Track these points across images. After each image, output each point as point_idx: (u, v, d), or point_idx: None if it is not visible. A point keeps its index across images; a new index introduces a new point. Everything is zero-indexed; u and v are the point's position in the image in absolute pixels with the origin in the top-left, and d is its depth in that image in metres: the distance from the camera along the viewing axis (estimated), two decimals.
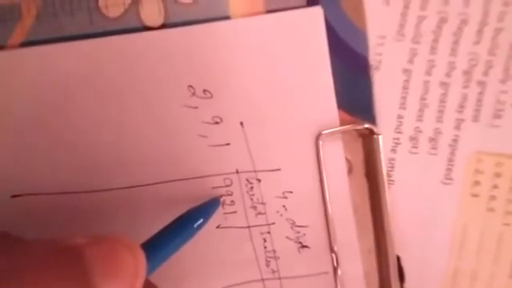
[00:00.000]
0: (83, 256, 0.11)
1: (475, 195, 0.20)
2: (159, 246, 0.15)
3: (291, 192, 0.19)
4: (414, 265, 0.20)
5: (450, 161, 0.20)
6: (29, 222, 0.19)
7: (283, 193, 0.19)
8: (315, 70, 0.18)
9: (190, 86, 0.18)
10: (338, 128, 0.19)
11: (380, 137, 0.19)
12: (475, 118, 0.19)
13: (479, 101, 0.19)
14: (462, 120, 0.19)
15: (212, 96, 0.19)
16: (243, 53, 0.18)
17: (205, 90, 0.18)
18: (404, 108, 0.19)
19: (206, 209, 0.17)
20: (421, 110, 0.19)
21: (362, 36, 0.19)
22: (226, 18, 0.18)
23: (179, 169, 0.19)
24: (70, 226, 0.19)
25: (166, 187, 0.19)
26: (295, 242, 0.20)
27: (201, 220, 0.16)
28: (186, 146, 0.19)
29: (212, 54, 0.18)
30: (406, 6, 0.19)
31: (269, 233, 0.20)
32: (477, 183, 0.20)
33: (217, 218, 0.20)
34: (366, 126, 0.19)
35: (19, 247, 0.12)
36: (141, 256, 0.12)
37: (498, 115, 0.19)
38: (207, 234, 0.19)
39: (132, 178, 0.19)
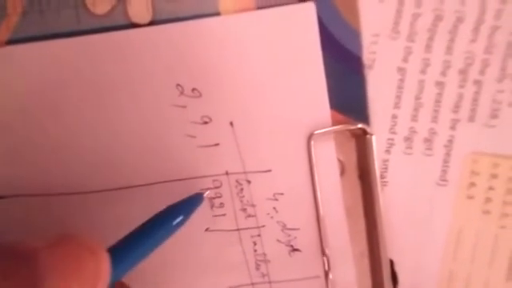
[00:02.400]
0: (37, 261, 0.10)
1: (471, 197, 0.19)
2: (132, 246, 0.14)
3: (282, 194, 0.19)
4: (408, 268, 0.20)
5: (446, 162, 0.19)
6: (14, 225, 0.19)
7: (274, 194, 0.19)
8: (307, 69, 0.18)
9: (179, 85, 0.18)
10: (331, 128, 0.18)
11: (373, 137, 0.19)
12: (471, 118, 0.19)
13: (475, 100, 0.19)
14: (458, 120, 0.19)
15: (201, 95, 0.18)
16: (233, 50, 0.18)
17: (193, 89, 0.18)
18: (398, 108, 0.19)
19: (186, 205, 0.16)
20: (415, 110, 0.19)
21: (355, 34, 0.18)
22: (216, 14, 0.18)
23: (167, 170, 0.19)
24: (56, 228, 0.19)
25: (154, 189, 0.19)
26: (286, 245, 0.19)
27: (180, 217, 0.15)
28: (174, 146, 0.18)
29: (201, 52, 0.18)
30: (401, 3, 0.18)
31: (259, 236, 0.19)
32: (472, 185, 0.19)
33: (205, 220, 0.19)
34: (359, 125, 0.18)
35: None
36: (103, 259, 0.11)
37: (494, 115, 0.19)
38: (195, 237, 0.19)
39: (119, 179, 0.19)
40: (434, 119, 0.19)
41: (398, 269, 0.20)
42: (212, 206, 0.19)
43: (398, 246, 0.19)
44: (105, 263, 0.11)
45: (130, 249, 0.14)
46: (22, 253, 0.10)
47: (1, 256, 0.10)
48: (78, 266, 0.11)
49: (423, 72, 0.19)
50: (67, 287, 0.10)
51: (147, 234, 0.15)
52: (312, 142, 0.18)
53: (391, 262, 0.19)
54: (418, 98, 0.19)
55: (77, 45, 0.18)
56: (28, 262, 0.10)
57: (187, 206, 0.16)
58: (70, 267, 0.11)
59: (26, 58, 0.18)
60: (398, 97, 0.19)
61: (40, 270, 0.10)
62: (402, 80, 0.19)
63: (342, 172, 0.19)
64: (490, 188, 0.19)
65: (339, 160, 0.19)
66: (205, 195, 0.18)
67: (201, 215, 0.19)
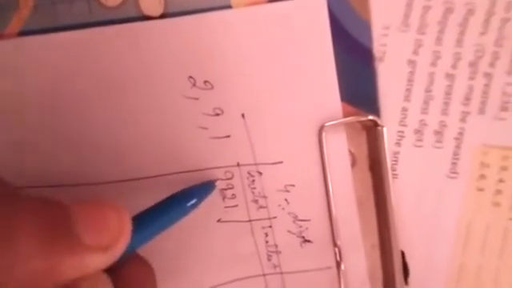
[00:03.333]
0: (69, 211, 0.12)
1: (481, 189, 0.19)
2: (150, 219, 0.15)
3: (293, 185, 0.19)
4: (419, 260, 0.20)
5: (456, 154, 0.19)
6: None
7: (285, 186, 0.19)
8: (318, 61, 0.18)
9: (191, 77, 0.18)
10: (342, 120, 0.18)
11: (384, 129, 0.19)
12: (481, 111, 0.19)
13: (485, 93, 0.19)
14: (468, 112, 0.19)
15: (213, 87, 0.18)
16: (245, 43, 0.18)
17: (205, 81, 0.18)
18: (409, 100, 0.19)
19: (200, 190, 0.17)
20: (426, 103, 0.19)
21: (365, 26, 0.18)
22: (227, 7, 0.18)
23: (179, 161, 0.19)
24: None
25: (166, 180, 0.19)
26: (297, 237, 0.19)
27: (194, 200, 0.17)
28: (187, 138, 0.19)
29: (213, 45, 0.18)
30: None
31: (270, 227, 0.19)
32: (482, 177, 0.19)
33: (217, 211, 0.19)
34: (370, 117, 0.19)
35: (9, 195, 0.12)
36: (125, 217, 0.13)
37: (504, 107, 0.19)
38: (208, 228, 0.19)
39: (132, 170, 0.19)
40: (444, 112, 0.19)
41: (408, 260, 0.20)
42: (224, 198, 0.19)
43: (408, 238, 0.19)
44: (127, 221, 0.13)
45: (147, 221, 0.15)
46: (56, 203, 0.12)
47: (42, 204, 0.12)
48: (104, 219, 0.12)
49: (433, 64, 0.19)
50: (95, 234, 0.12)
51: (163, 212, 0.16)
52: (323, 134, 0.18)
53: (402, 254, 0.19)
54: (428, 90, 0.19)
55: (88, 36, 0.18)
56: (61, 210, 0.12)
57: (200, 190, 0.17)
58: (98, 219, 0.12)
59: (38, 50, 0.18)
60: (409, 89, 0.19)
61: (71, 216, 0.12)
62: (412, 72, 0.19)
63: (353, 164, 0.19)
64: (500, 180, 0.19)
65: (350, 152, 0.19)
66: (216, 183, 0.18)
67: (213, 206, 0.19)
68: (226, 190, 0.19)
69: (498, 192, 0.19)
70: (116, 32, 0.18)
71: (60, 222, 0.11)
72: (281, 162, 0.19)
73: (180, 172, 0.19)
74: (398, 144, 0.19)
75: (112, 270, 0.13)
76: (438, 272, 0.20)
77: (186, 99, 0.18)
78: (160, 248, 0.19)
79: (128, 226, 0.13)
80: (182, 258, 0.20)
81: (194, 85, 0.18)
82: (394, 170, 0.19)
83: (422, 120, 0.19)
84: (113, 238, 0.12)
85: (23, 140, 0.18)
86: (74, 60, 0.18)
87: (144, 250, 0.19)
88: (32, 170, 0.18)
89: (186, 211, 0.16)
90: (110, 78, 0.18)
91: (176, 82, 0.18)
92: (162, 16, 0.18)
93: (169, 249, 0.19)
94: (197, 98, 0.18)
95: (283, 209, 0.19)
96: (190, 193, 0.17)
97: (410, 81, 0.19)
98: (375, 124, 0.19)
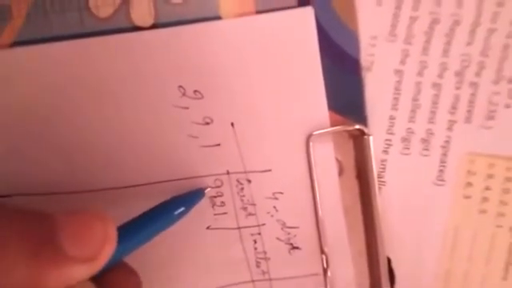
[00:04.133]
0: (54, 222, 0.12)
1: (467, 197, 0.20)
2: (137, 228, 0.15)
3: (282, 193, 0.19)
4: (406, 266, 0.20)
5: (443, 162, 0.19)
6: None
7: (274, 194, 0.19)
8: (306, 71, 0.18)
9: (181, 87, 0.18)
10: (329, 129, 0.19)
11: (371, 137, 0.19)
12: (467, 119, 0.19)
13: (471, 102, 0.19)
14: (455, 121, 0.19)
15: (203, 96, 0.18)
16: (234, 53, 0.18)
17: (195, 91, 0.18)
18: (396, 109, 0.19)
19: (188, 198, 0.18)
20: (413, 111, 0.19)
21: (353, 37, 0.19)
22: (217, 18, 0.18)
23: (169, 169, 0.19)
24: None
25: (157, 188, 0.19)
26: (286, 243, 0.20)
27: (182, 208, 0.17)
28: (177, 146, 0.19)
29: (202, 55, 0.18)
30: (398, 7, 0.19)
31: (259, 234, 0.20)
32: (469, 184, 0.20)
33: (207, 219, 0.19)
34: (357, 126, 0.19)
35: None
36: (110, 226, 0.13)
37: (490, 116, 0.19)
38: (197, 235, 0.19)
39: (122, 178, 0.19)
40: (431, 120, 0.19)
41: (395, 267, 0.20)
42: (213, 205, 0.19)
43: (395, 244, 0.20)
44: (112, 231, 0.13)
45: (134, 230, 0.15)
46: (40, 214, 0.12)
47: (22, 215, 0.12)
48: (89, 229, 0.12)
49: (420, 74, 0.19)
50: (79, 245, 0.12)
51: (150, 220, 0.16)
52: (311, 143, 0.19)
53: (388, 260, 0.20)
54: (415, 99, 0.19)
55: (80, 47, 0.18)
56: (45, 220, 0.12)
57: (189, 199, 0.18)
58: (82, 230, 0.12)
59: (30, 60, 0.18)
60: (396, 98, 0.19)
61: (55, 227, 0.12)
62: (399, 82, 0.19)
63: (341, 172, 0.19)
64: (487, 188, 0.20)
65: (337, 160, 0.19)
66: (206, 191, 0.19)
67: (202, 213, 0.19)
68: (215, 197, 0.19)
69: (485, 199, 0.20)
70: (107, 42, 0.18)
71: (44, 233, 0.12)
72: (269, 170, 0.19)
73: (170, 180, 0.19)
74: (386, 152, 0.20)
75: (98, 278, 0.13)
76: (425, 278, 0.20)
77: (177, 108, 0.18)
78: (149, 255, 0.19)
79: (113, 236, 0.13)
80: (172, 265, 0.20)
81: (184, 94, 0.18)
82: (381, 178, 0.20)
83: (409, 128, 0.19)
84: (97, 248, 0.12)
85: (15, 149, 0.19)
86: (65, 70, 0.18)
87: (133, 258, 0.19)
88: (23, 178, 0.19)
89: (173, 220, 0.16)
90: (101, 88, 0.18)
91: (166, 92, 0.18)
92: (153, 26, 0.18)
93: (158, 256, 0.19)
94: (187, 108, 0.19)
95: (272, 216, 0.19)
96: (177, 201, 0.17)
97: (398, 90, 0.19)
98: (362, 133, 0.19)
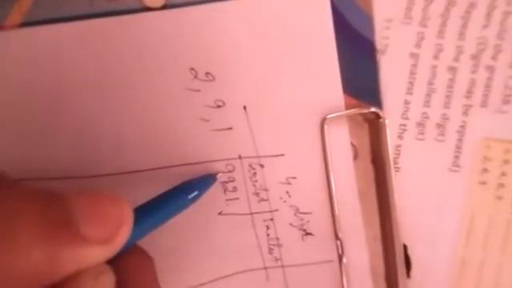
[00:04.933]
0: (69, 201, 0.11)
1: (483, 183, 0.19)
2: (150, 211, 0.15)
3: (295, 178, 0.19)
4: (421, 253, 0.20)
5: (458, 147, 0.19)
6: None
7: (287, 179, 0.19)
8: (320, 53, 0.18)
9: (192, 69, 0.18)
10: (344, 112, 0.18)
11: (386, 121, 0.19)
12: (483, 104, 0.19)
13: (487, 86, 0.19)
14: (470, 106, 0.19)
15: (214, 79, 0.18)
16: (247, 34, 0.18)
17: (207, 73, 0.18)
18: (411, 93, 0.19)
19: (201, 182, 0.17)
20: (428, 96, 0.19)
21: (368, 19, 0.18)
22: None
23: (180, 154, 0.19)
24: None
25: (167, 172, 0.19)
26: (299, 230, 0.19)
27: (195, 192, 0.16)
28: (188, 130, 0.18)
29: (215, 36, 0.18)
30: None
31: (272, 220, 0.19)
32: (485, 170, 0.19)
33: (219, 204, 0.19)
34: (373, 109, 0.18)
35: (9, 186, 0.12)
36: (127, 208, 0.12)
37: (506, 101, 0.19)
38: (209, 221, 0.19)
39: (132, 162, 0.19)
40: (447, 105, 0.19)
41: (410, 253, 0.19)
42: (225, 190, 0.19)
43: (410, 231, 0.19)
44: (128, 212, 0.12)
45: (148, 213, 0.15)
46: (57, 194, 0.12)
47: (37, 194, 0.11)
48: (105, 210, 0.12)
49: (436, 57, 0.19)
50: (95, 226, 0.12)
51: (163, 204, 0.15)
52: (325, 126, 0.18)
53: (404, 247, 0.19)
54: (430, 83, 0.19)
55: (89, 28, 0.18)
56: (61, 201, 0.11)
57: (201, 183, 0.17)
58: (98, 210, 0.12)
59: (39, 41, 0.18)
60: (411, 82, 0.19)
61: (71, 208, 0.11)
62: (414, 65, 0.19)
63: (355, 156, 0.19)
64: (503, 174, 0.19)
65: (352, 144, 0.19)
66: (218, 176, 0.18)
67: (214, 199, 0.19)
68: (227, 182, 0.19)
69: (501, 186, 0.19)
70: (117, 23, 0.18)
71: (59, 212, 0.11)
72: (282, 155, 0.19)
73: (181, 165, 0.19)
74: (400, 137, 0.19)
75: (111, 261, 0.13)
76: (441, 265, 0.20)
77: (188, 91, 0.18)
78: (161, 241, 0.19)
79: (129, 218, 0.12)
80: (183, 251, 0.19)
81: (196, 77, 0.18)
82: (396, 164, 0.19)
83: (424, 113, 0.19)
84: (114, 230, 0.12)
85: (22, 132, 0.18)
86: (74, 52, 0.18)
87: (144, 243, 0.19)
88: (30, 163, 0.18)
89: (186, 204, 0.16)
90: (110, 70, 0.18)
91: (177, 74, 0.18)
92: (164, 7, 0.18)
93: (169, 242, 0.19)
94: (198, 90, 0.18)
95: (285, 202, 0.19)
96: (190, 185, 0.17)
97: (413, 74, 0.19)
98: (377, 116, 0.19)
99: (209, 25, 0.18)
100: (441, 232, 0.20)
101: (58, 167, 0.18)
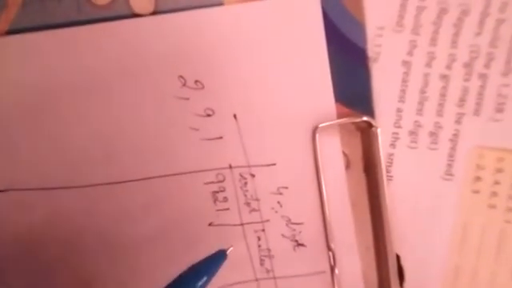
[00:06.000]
0: None
1: (476, 191, 0.19)
2: None
3: (286, 188, 0.19)
4: (414, 263, 0.19)
5: (451, 156, 0.19)
6: (13, 218, 0.18)
7: (278, 188, 0.19)
8: (312, 61, 0.18)
9: (181, 77, 0.18)
10: (336, 121, 0.18)
11: (379, 129, 0.18)
12: (476, 112, 0.19)
13: (480, 94, 0.19)
14: (463, 114, 0.19)
15: (204, 87, 0.18)
16: (237, 41, 0.18)
17: (196, 81, 0.18)
18: (403, 101, 0.19)
19: (210, 264, 0.16)
20: (420, 104, 0.19)
21: (360, 27, 0.18)
22: (219, 4, 0.18)
23: (169, 163, 0.18)
24: (55, 223, 0.19)
25: (156, 183, 0.18)
26: (291, 240, 0.19)
27: (205, 278, 0.15)
28: (177, 139, 0.18)
29: (204, 43, 0.17)
30: None
31: (263, 230, 0.19)
32: (478, 179, 0.19)
33: (209, 215, 0.19)
34: (365, 118, 0.18)
35: None
36: None
37: (499, 109, 0.19)
38: (198, 231, 0.19)
39: (120, 172, 0.18)
40: (439, 113, 0.19)
41: (403, 263, 0.19)
42: (215, 201, 0.19)
43: (403, 240, 0.19)
44: None
45: None
46: None
47: None
48: None
49: (428, 65, 0.19)
50: None
51: None
52: (317, 135, 0.18)
53: (397, 257, 0.19)
54: (422, 91, 0.19)
55: (76, 35, 0.17)
56: None
57: (210, 265, 0.16)
58: None
59: (26, 49, 0.17)
60: (403, 90, 0.19)
61: None
62: (406, 73, 0.19)
63: (347, 165, 0.19)
64: (496, 182, 0.19)
65: (344, 153, 0.19)
66: (227, 252, 0.17)
67: (204, 210, 0.19)
68: (217, 192, 0.19)
69: (494, 194, 0.19)
70: (104, 30, 0.17)
71: None
72: (274, 164, 0.19)
73: (170, 175, 0.18)
74: (393, 146, 0.19)
75: None
76: (434, 274, 0.20)
77: (176, 99, 0.18)
78: (149, 252, 0.19)
79: None
80: (172, 264, 0.18)
81: (185, 84, 0.18)
82: (388, 172, 0.19)
83: (416, 121, 0.19)
84: None
85: (9, 142, 0.18)
86: (61, 59, 0.17)
87: (133, 256, 0.19)
88: (18, 173, 0.18)
89: None
90: (97, 77, 0.18)
91: (166, 82, 0.18)
92: (153, 14, 0.18)
93: (158, 253, 0.19)
94: (187, 98, 0.18)
95: (276, 212, 0.19)
96: (199, 270, 0.15)
97: (405, 82, 0.19)
98: (369, 125, 0.18)
99: (198, 31, 0.17)
100: (434, 241, 0.20)
101: (45, 177, 0.18)
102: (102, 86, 0.18)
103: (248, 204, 0.19)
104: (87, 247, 0.19)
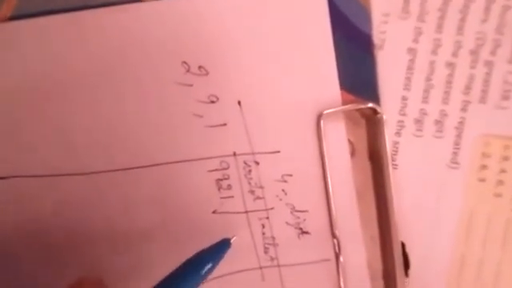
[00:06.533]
0: None
1: (482, 180, 0.19)
2: None
3: (291, 175, 0.19)
4: (419, 252, 0.19)
5: (456, 144, 0.19)
6: (15, 205, 0.18)
7: (283, 176, 0.19)
8: (317, 47, 0.18)
9: (184, 62, 0.17)
10: (341, 107, 0.18)
11: (384, 116, 0.18)
12: (482, 100, 0.19)
13: (486, 81, 0.19)
14: (469, 101, 0.19)
15: (208, 73, 0.18)
16: (241, 27, 0.17)
17: (200, 67, 0.18)
18: (408, 89, 0.19)
19: (214, 252, 0.17)
20: (426, 92, 0.19)
21: (365, 13, 0.18)
22: None
23: (173, 151, 0.18)
24: (60, 211, 0.18)
25: (159, 170, 0.18)
26: (295, 228, 0.19)
27: (209, 265, 0.16)
28: (180, 126, 0.18)
29: (208, 28, 0.17)
30: None
31: (267, 218, 0.19)
32: (484, 167, 0.19)
33: (213, 202, 0.19)
34: (370, 105, 0.18)
35: None
36: None
37: (505, 96, 0.19)
38: (202, 219, 0.19)
39: (123, 159, 0.18)
40: (445, 101, 0.19)
41: (408, 252, 0.19)
42: (219, 188, 0.19)
43: (408, 229, 0.19)
44: None
45: None
46: None
47: None
48: None
49: (434, 53, 0.18)
50: None
51: (178, 283, 0.15)
52: (321, 122, 0.18)
53: (403, 245, 0.19)
54: (428, 79, 0.19)
55: (78, 20, 0.17)
56: None
57: (215, 252, 0.17)
58: None
59: (28, 34, 0.17)
60: (408, 78, 0.19)
61: None
62: (412, 61, 0.18)
63: (352, 153, 0.19)
64: (502, 170, 0.19)
65: (349, 141, 0.19)
66: (231, 240, 0.18)
67: (208, 197, 0.19)
68: (221, 180, 0.19)
69: (500, 183, 0.19)
70: (107, 14, 0.17)
71: None
72: (278, 152, 0.18)
73: (173, 162, 0.18)
74: (398, 134, 0.19)
75: None
76: (439, 263, 0.20)
77: (180, 86, 0.18)
78: (153, 240, 0.19)
79: None
80: (176, 251, 0.19)
81: (188, 70, 0.18)
82: (393, 161, 0.19)
83: (422, 109, 0.19)
84: None
85: (12, 128, 0.18)
86: (63, 45, 0.17)
87: (136, 246, 0.19)
88: (20, 159, 0.18)
89: (202, 278, 0.15)
90: (100, 63, 0.17)
91: (169, 68, 0.17)
92: None
93: (162, 241, 0.19)
94: (191, 85, 0.18)
95: (280, 199, 0.19)
96: (204, 257, 0.16)
97: (410, 69, 0.19)
98: (375, 112, 0.18)
99: (203, 16, 0.17)
100: (439, 230, 0.19)
101: (47, 165, 0.18)
102: (104, 71, 0.17)
103: (252, 192, 0.19)
104: (93, 235, 0.19)
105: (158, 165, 0.18)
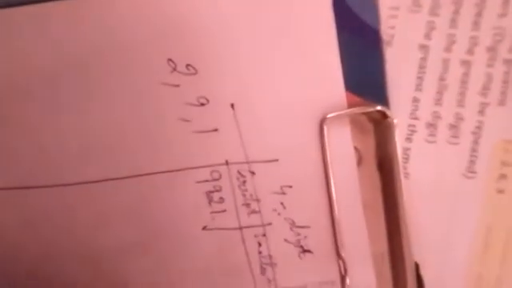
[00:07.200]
0: None
1: (501, 191, 0.18)
2: None
3: (290, 187, 0.18)
4: (432, 269, 0.18)
5: (473, 151, 0.18)
6: None
7: (281, 187, 0.18)
8: (319, 44, 0.17)
9: (170, 60, 0.17)
10: (346, 111, 0.17)
11: (394, 120, 0.17)
12: (501, 102, 0.18)
13: (505, 82, 0.18)
14: (487, 104, 0.18)
15: (197, 72, 0.17)
16: (235, 21, 0.17)
17: (188, 65, 0.17)
18: (420, 90, 0.18)
19: None
20: (439, 93, 0.18)
21: (372, 6, 0.17)
22: None
23: (157, 160, 0.17)
24: (32, 224, 0.18)
25: (142, 181, 0.17)
26: (295, 246, 0.18)
27: None
28: (166, 132, 0.17)
29: (197, 22, 0.16)
30: None
31: (264, 235, 0.18)
32: (503, 177, 0.18)
33: (203, 217, 0.18)
34: (379, 108, 0.17)
35: None
36: None
37: None
38: (192, 236, 0.18)
39: (104, 170, 0.17)
40: (460, 103, 0.18)
41: (422, 273, 0.18)
42: (210, 201, 0.18)
43: (420, 245, 0.18)
44: None
45: None
46: None
47: None
48: None
49: (448, 50, 0.18)
50: None
51: None
52: (325, 127, 0.17)
53: (416, 266, 0.18)
54: (442, 78, 0.18)
55: (50, 11, 0.16)
56: None
57: None
58: None
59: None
60: (420, 78, 0.18)
61: None
62: (424, 59, 0.18)
63: (359, 162, 0.18)
64: None
65: (355, 148, 0.18)
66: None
67: (197, 212, 0.18)
68: (212, 192, 0.18)
69: None
70: (82, 6, 0.16)
71: None
72: (276, 160, 0.18)
73: (157, 172, 0.17)
74: (409, 139, 0.18)
75: None
76: (454, 283, 0.19)
77: (165, 86, 0.17)
78: (139, 260, 0.18)
79: None
80: (163, 271, 0.18)
81: (175, 69, 0.17)
82: (404, 169, 0.18)
83: (435, 112, 0.18)
84: None
85: None
86: (32, 38, 0.16)
87: (121, 264, 0.18)
88: None
89: None
90: (73, 60, 0.16)
91: (153, 66, 0.17)
92: None
93: (149, 261, 0.18)
94: (178, 85, 0.17)
95: (279, 214, 0.18)
96: None
97: (422, 68, 0.18)
98: (384, 116, 0.17)
99: (191, 8, 0.16)
100: (454, 245, 0.19)
101: (20, 176, 0.17)
102: (78, 69, 0.17)
103: (247, 205, 0.18)
104: (68, 252, 0.18)
105: (138, 176, 0.17)
